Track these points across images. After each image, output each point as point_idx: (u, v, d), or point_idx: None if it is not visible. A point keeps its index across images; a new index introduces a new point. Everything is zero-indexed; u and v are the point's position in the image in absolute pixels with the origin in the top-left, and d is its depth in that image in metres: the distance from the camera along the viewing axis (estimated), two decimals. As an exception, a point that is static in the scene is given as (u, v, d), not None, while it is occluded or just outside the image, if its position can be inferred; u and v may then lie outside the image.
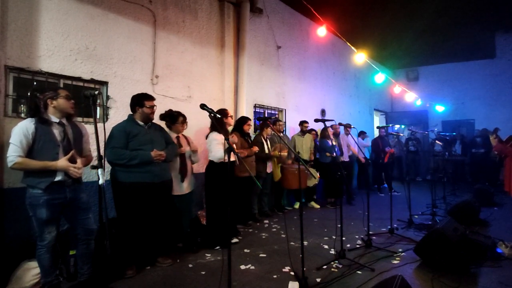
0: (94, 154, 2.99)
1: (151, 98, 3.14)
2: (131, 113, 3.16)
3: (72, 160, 2.38)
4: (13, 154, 2.26)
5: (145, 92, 3.18)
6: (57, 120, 2.44)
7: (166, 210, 3.26)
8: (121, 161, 2.90)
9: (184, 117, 3.74)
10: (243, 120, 4.72)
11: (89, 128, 3.43)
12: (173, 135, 3.60)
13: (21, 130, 2.28)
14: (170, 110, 3.77)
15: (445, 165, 7.91)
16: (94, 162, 1.91)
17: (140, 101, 3.09)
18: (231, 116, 4.33)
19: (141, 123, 3.10)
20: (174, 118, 3.68)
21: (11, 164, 2.27)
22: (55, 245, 2.47)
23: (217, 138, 3.86)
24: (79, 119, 3.47)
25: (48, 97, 2.42)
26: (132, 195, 2.96)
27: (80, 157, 2.52)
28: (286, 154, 5.26)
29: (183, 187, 3.64)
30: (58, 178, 2.36)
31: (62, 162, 2.33)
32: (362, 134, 8.09)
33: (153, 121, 3.23)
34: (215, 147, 3.84)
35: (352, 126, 6.61)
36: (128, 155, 2.91)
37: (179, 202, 3.64)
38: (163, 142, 3.21)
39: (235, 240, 4.02)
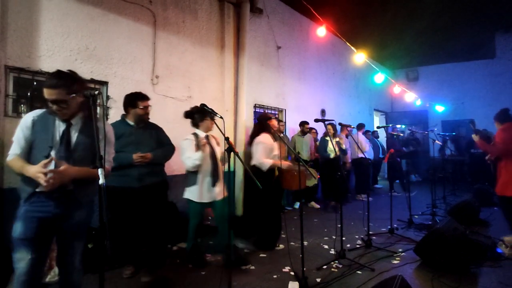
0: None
1: (145, 98, 2.92)
2: (123, 113, 2.98)
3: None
4: (10, 152, 1.87)
5: (139, 91, 2.96)
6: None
7: (156, 216, 3.02)
8: None
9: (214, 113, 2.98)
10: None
11: (89, 128, 3.44)
12: (202, 135, 3.25)
13: (21, 123, 1.89)
14: (196, 107, 3.31)
15: (445, 165, 7.91)
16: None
17: (133, 101, 2.88)
18: (276, 119, 3.99)
19: (131, 123, 2.91)
20: (203, 114, 3.24)
21: (6, 163, 1.90)
22: (32, 281, 1.82)
23: (266, 142, 3.62)
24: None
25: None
26: (111, 199, 2.58)
27: (88, 165, 1.82)
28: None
29: (214, 193, 3.20)
30: (40, 188, 1.79)
31: (35, 167, 1.73)
32: (366, 133, 8.07)
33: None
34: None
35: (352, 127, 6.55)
36: None
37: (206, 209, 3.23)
38: (151, 143, 2.97)
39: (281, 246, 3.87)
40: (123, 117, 2.99)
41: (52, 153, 1.82)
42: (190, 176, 3.20)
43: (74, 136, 1.91)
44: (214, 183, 3.20)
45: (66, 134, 1.89)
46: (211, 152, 3.23)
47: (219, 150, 3.36)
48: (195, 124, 3.30)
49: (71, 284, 1.96)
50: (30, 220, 1.82)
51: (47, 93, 1.79)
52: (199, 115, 3.26)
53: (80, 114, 1.94)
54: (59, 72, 1.83)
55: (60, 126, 1.88)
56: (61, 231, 1.90)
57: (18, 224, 1.83)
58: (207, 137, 3.26)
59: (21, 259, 1.79)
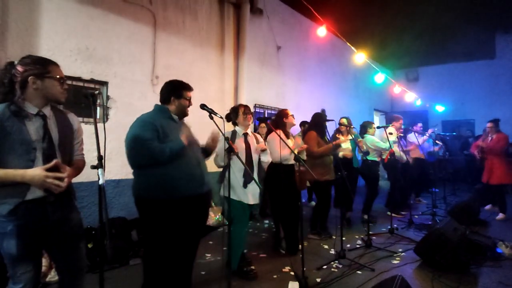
0: (94, 154, 3.00)
1: (191, 88, 2.54)
2: (159, 103, 2.48)
3: (54, 171, 1.56)
4: None
5: (181, 80, 2.56)
6: (35, 111, 1.62)
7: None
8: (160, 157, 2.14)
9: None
10: (322, 117, 4.29)
11: (89, 129, 3.44)
12: (240, 133, 3.12)
13: None
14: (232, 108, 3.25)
15: (446, 165, 7.90)
16: (94, 162, 1.71)
17: (178, 90, 2.44)
18: (292, 115, 3.87)
19: (175, 116, 2.44)
20: (235, 111, 3.13)
21: None
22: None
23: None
24: (79, 119, 3.47)
25: (31, 73, 1.62)
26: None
27: (68, 164, 1.71)
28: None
29: (246, 195, 2.98)
30: (31, 196, 1.55)
31: (37, 171, 1.50)
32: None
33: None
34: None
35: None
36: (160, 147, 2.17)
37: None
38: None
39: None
40: (164, 108, 2.45)
41: (38, 155, 1.58)
42: (224, 172, 2.93)
43: (54, 131, 1.68)
44: (245, 184, 2.96)
45: (46, 130, 1.63)
46: (246, 150, 3.04)
47: (256, 148, 3.14)
48: (234, 124, 3.17)
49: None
50: (28, 235, 1.57)
51: (54, 87, 1.68)
52: (233, 113, 3.15)
53: (49, 104, 1.71)
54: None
55: (31, 123, 1.60)
56: (62, 236, 1.70)
57: (11, 242, 1.54)
58: (245, 135, 3.12)
59: (26, 272, 1.60)
